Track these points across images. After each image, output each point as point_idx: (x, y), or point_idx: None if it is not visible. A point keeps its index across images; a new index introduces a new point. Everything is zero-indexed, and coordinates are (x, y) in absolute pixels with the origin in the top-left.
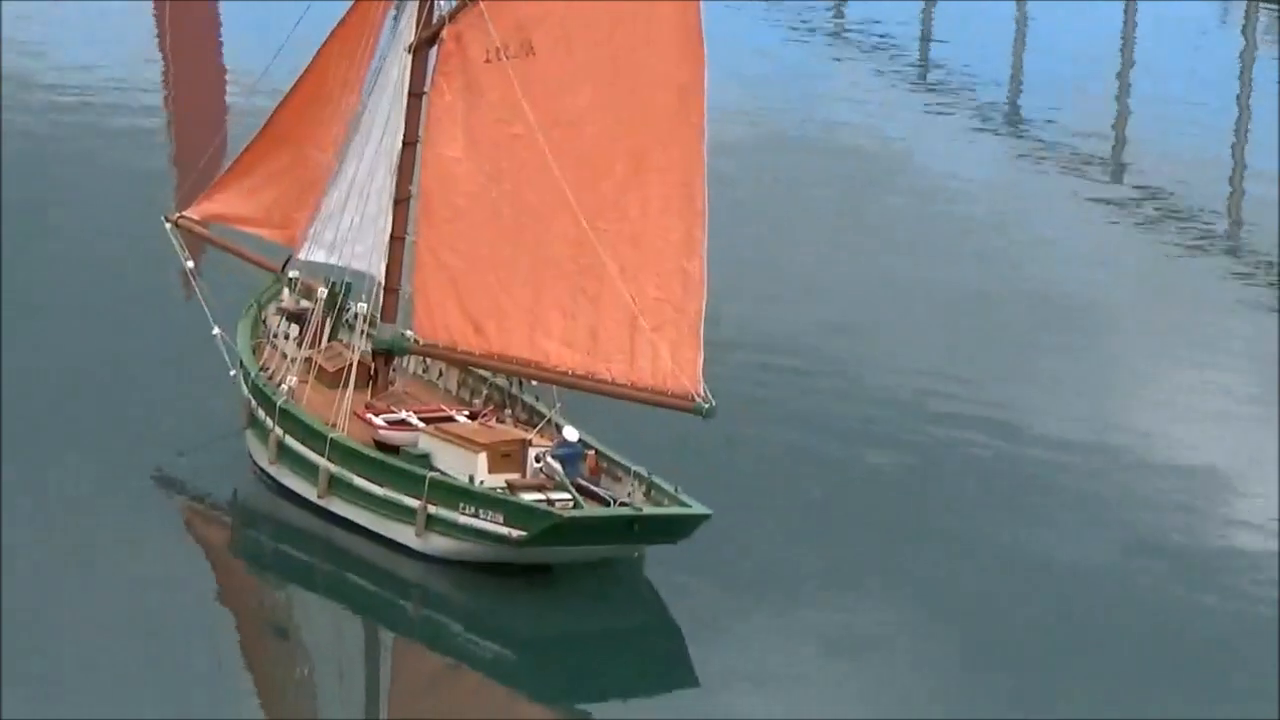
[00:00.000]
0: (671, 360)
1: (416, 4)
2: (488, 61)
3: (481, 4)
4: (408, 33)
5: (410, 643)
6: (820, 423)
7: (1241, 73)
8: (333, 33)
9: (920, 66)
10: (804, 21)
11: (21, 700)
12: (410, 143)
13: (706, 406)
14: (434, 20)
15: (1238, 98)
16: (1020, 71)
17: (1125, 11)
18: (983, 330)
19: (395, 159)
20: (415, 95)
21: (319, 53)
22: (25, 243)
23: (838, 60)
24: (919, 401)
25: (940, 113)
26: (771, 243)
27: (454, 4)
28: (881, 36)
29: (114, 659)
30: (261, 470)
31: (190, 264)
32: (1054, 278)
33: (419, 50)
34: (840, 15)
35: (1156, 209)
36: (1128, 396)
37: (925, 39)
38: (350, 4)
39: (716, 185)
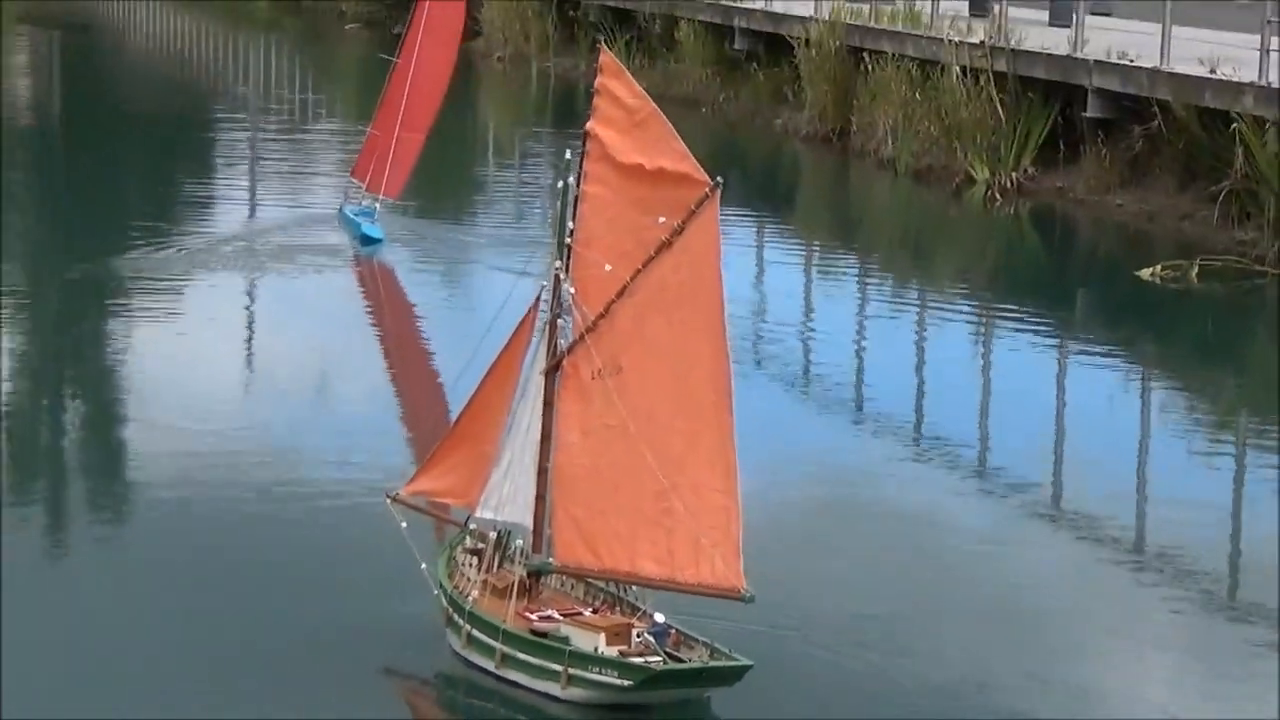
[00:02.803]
0: (724, 566)
1: (546, 343)
2: (592, 379)
3: (589, 343)
4: (540, 362)
5: None
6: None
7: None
8: (495, 362)
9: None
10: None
11: None
12: (545, 436)
13: (749, 595)
14: (557, 353)
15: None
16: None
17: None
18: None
19: (537, 445)
20: (548, 404)
21: (487, 376)
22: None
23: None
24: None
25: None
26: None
27: (570, 341)
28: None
29: None
30: (456, 653)
31: (404, 524)
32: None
33: (549, 374)
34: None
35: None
36: None
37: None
38: (507, 343)
39: None
